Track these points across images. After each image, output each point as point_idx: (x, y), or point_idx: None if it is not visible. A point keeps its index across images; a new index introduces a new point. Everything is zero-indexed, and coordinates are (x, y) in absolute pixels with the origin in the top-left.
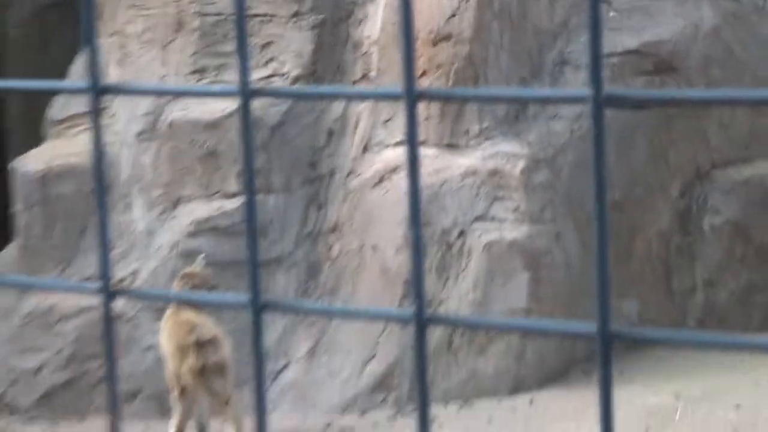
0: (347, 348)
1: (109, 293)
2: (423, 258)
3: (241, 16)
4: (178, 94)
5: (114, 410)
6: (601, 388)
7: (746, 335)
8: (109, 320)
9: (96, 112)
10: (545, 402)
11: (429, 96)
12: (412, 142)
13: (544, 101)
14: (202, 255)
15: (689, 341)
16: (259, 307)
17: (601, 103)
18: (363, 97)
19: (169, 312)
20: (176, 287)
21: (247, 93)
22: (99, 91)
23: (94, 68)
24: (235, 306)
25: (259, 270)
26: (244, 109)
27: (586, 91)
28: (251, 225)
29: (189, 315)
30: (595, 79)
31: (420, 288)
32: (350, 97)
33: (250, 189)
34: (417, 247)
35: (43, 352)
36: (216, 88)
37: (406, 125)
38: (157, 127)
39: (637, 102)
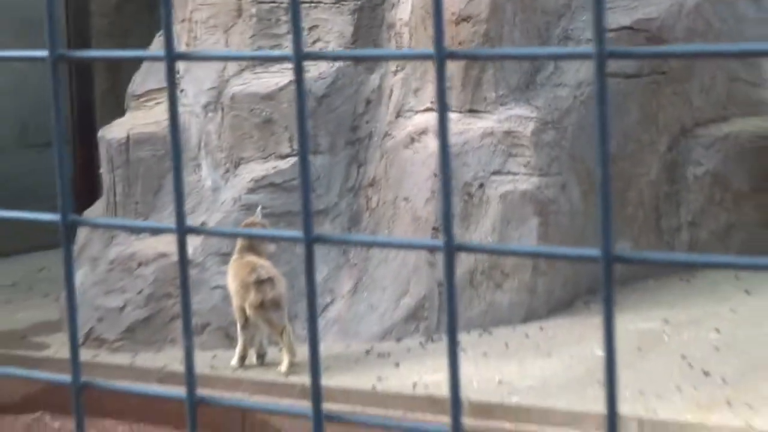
0: (384, 286)
1: (183, 230)
2: (451, 198)
3: None
4: (240, 59)
5: (189, 334)
6: (605, 306)
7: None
8: (183, 255)
9: (171, 77)
10: (553, 329)
11: (456, 56)
12: (441, 98)
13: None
14: (260, 207)
15: (679, 262)
16: (310, 240)
17: (604, 57)
18: (399, 57)
19: (234, 257)
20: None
21: (300, 55)
22: (173, 57)
23: (169, 38)
24: (291, 239)
25: (310, 206)
26: (298, 70)
27: (591, 48)
28: (305, 172)
29: (251, 258)
30: (599, 36)
31: (449, 221)
32: (388, 58)
33: (303, 144)
34: (447, 187)
35: (126, 293)
36: (274, 52)
37: (437, 82)
38: (221, 99)
39: (635, 55)
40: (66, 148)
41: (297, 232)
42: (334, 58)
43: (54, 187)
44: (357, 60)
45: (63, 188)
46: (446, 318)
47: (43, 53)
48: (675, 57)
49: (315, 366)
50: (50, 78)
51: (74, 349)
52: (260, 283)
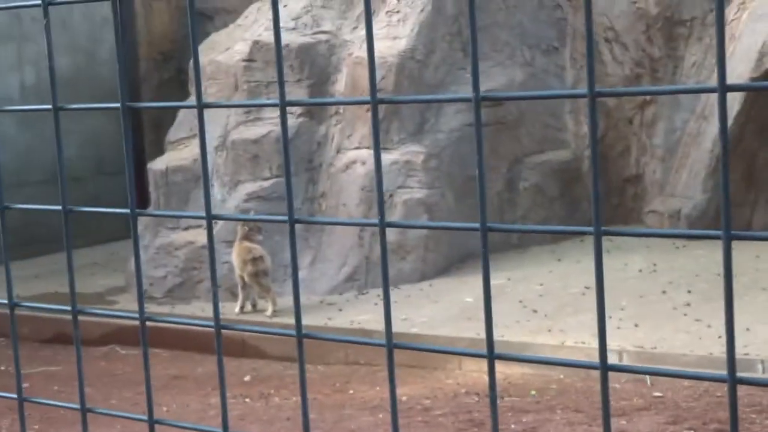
0: (330, 259)
1: (210, 217)
2: (382, 193)
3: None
4: (246, 106)
5: (215, 290)
6: (484, 268)
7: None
8: (210, 235)
9: (201, 120)
10: (438, 285)
11: (384, 101)
12: (375, 131)
13: (450, 101)
14: (252, 211)
15: (534, 230)
16: (292, 222)
17: (594, 97)
18: (346, 103)
19: (235, 243)
20: (240, 228)
21: (284, 103)
22: (202, 106)
23: (199, 93)
24: (279, 221)
25: (292, 202)
26: (283, 113)
27: (585, 90)
28: (288, 180)
29: (247, 244)
30: (590, 79)
31: (381, 206)
32: (338, 104)
33: (287, 161)
34: (380, 187)
35: (167, 267)
36: (267, 100)
37: (372, 119)
38: (226, 143)
39: (622, 94)
40: (132, 177)
41: (283, 216)
42: (309, 104)
43: (121, 202)
44: (317, 105)
45: (131, 192)
46: (376, 277)
47: (116, 105)
48: (648, 94)
49: (297, 305)
50: (122, 120)
51: (140, 296)
52: (255, 259)
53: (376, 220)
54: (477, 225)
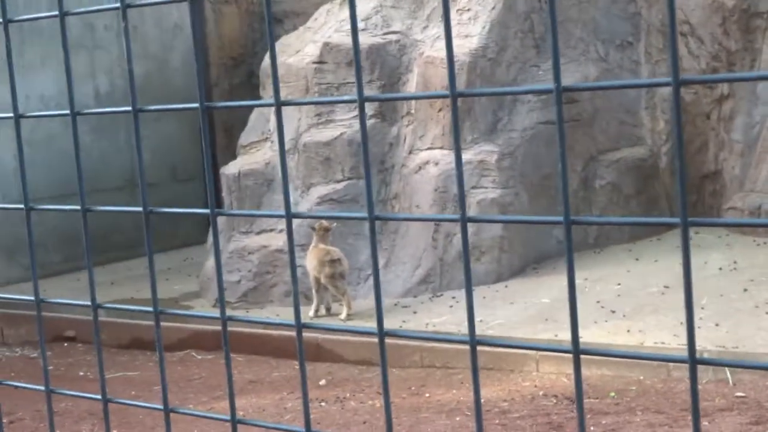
0: (404, 261)
1: (290, 215)
2: (463, 187)
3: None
4: (323, 103)
5: (296, 289)
6: (568, 261)
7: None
8: (290, 233)
9: (279, 119)
10: (513, 286)
11: (464, 95)
12: (456, 127)
13: (527, 92)
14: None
15: (624, 222)
16: (372, 218)
17: (679, 85)
18: (423, 98)
19: (311, 246)
20: (316, 231)
21: (362, 98)
22: (280, 104)
23: (276, 90)
24: (359, 218)
25: (372, 197)
26: (361, 108)
27: (669, 78)
28: (367, 174)
29: (324, 246)
30: (674, 68)
31: (462, 201)
32: (415, 98)
33: (366, 158)
34: (460, 179)
35: (241, 272)
36: (344, 97)
37: (452, 115)
38: (297, 146)
39: (708, 81)
40: (211, 176)
41: (363, 213)
42: (388, 99)
43: (195, 208)
44: (395, 100)
45: (210, 193)
46: (451, 279)
47: (195, 105)
48: (739, 80)
49: (378, 302)
50: (201, 121)
51: (221, 294)
52: (333, 261)
53: (456, 215)
54: (560, 219)
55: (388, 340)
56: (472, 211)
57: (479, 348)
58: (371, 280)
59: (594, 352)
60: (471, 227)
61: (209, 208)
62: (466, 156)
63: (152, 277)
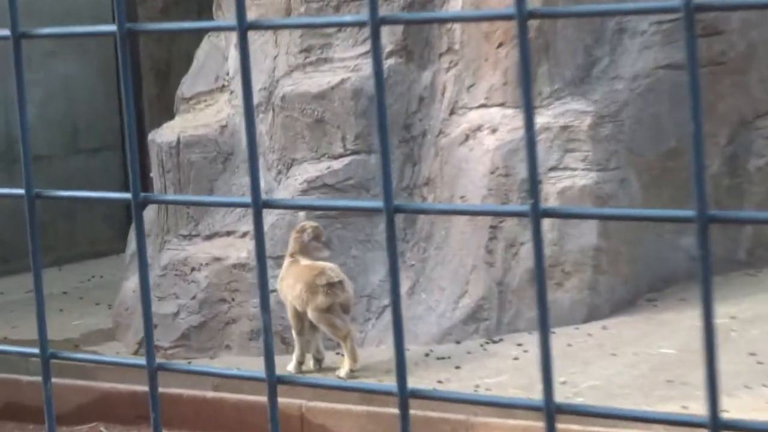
0: (441, 286)
1: (261, 206)
2: (537, 164)
3: None
4: (315, 26)
5: (267, 321)
6: (702, 267)
7: None
8: (260, 228)
9: (244, 47)
10: (616, 327)
11: (535, 15)
12: (525, 57)
13: (640, 13)
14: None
15: None
16: (391, 210)
17: (692, 9)
18: (479, 19)
19: (287, 261)
20: (293, 239)
21: (376, 20)
22: (245, 27)
23: (240, 8)
24: (371, 209)
25: (391, 179)
26: (375, 32)
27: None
28: (385, 142)
29: (311, 262)
30: None
31: (535, 186)
32: (467, 20)
33: (382, 113)
34: (532, 153)
35: (179, 299)
36: (349, 16)
37: (519, 41)
38: (272, 100)
39: (725, 6)
40: (134, 146)
41: (378, 202)
42: (413, 21)
43: (103, 191)
44: (429, 23)
45: (133, 168)
46: (516, 315)
47: (111, 27)
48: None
49: (399, 346)
50: (119, 55)
51: (148, 334)
52: (331, 285)
53: (524, 207)
54: (691, 213)
55: (414, 409)
56: (551, 205)
57: (561, 424)
58: (388, 315)
59: (742, 426)
60: (550, 232)
61: (131, 192)
62: (540, 119)
63: (39, 306)
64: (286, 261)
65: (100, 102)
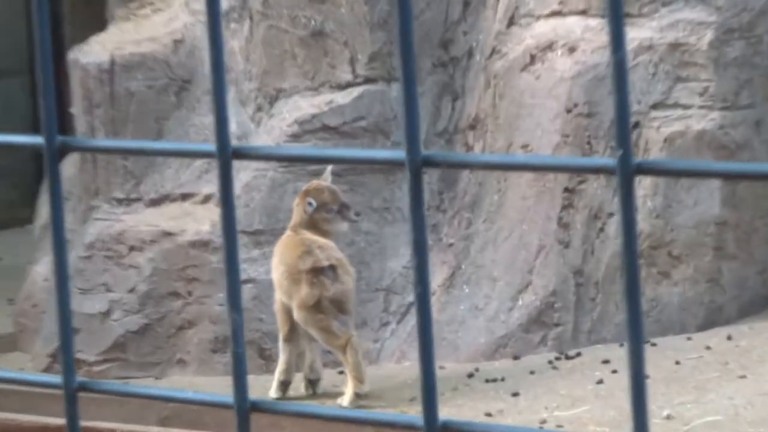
0: (493, 276)
1: (228, 154)
2: (628, 104)
3: None
4: None
5: (239, 321)
6: None
7: None
8: (228, 186)
9: None
10: (747, 338)
11: None
12: None
13: None
14: (330, 166)
15: None
16: (419, 160)
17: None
18: None
19: (285, 234)
20: (297, 206)
21: None
22: None
23: None
24: (392, 162)
25: (418, 119)
26: None
27: None
28: (409, 67)
29: (306, 236)
30: None
31: (626, 131)
32: None
33: (407, 54)
34: (622, 86)
35: (112, 292)
36: None
37: None
38: (249, 4)
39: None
40: (49, 69)
41: (400, 152)
42: None
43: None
44: None
45: (47, 101)
46: (601, 321)
47: None
48: None
49: (427, 361)
50: None
51: (66, 337)
52: (317, 271)
53: (610, 160)
54: None
55: None
56: (651, 156)
57: None
58: (413, 318)
59: None
60: (651, 198)
61: (43, 135)
62: (641, 32)
63: None
64: (286, 233)
65: (3, 9)
